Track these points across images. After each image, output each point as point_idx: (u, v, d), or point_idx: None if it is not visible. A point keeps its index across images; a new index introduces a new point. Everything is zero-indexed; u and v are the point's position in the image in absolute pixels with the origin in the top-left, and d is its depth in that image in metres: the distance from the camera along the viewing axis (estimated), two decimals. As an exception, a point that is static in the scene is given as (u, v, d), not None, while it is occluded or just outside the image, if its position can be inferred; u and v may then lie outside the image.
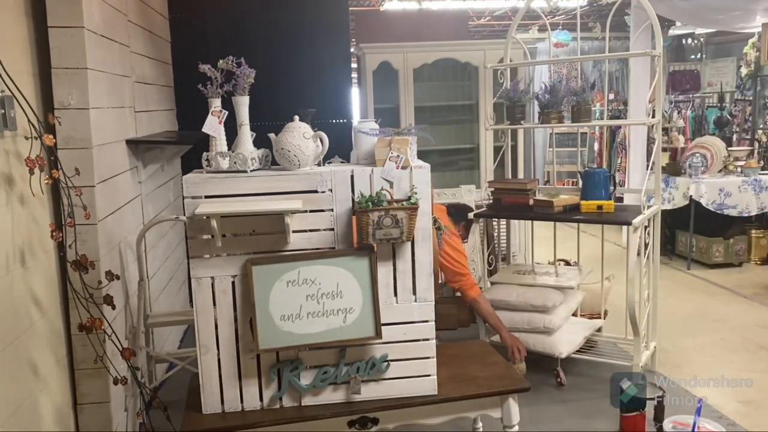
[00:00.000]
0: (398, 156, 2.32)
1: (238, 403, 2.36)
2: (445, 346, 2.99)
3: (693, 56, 10.52)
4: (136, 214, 3.32)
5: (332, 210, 2.33)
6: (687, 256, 6.15)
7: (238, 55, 2.33)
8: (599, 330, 3.97)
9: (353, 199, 2.32)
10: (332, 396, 2.39)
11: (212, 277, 2.30)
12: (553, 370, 3.59)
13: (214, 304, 2.31)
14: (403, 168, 2.33)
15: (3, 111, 2.13)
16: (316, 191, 2.32)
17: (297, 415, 2.32)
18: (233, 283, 2.31)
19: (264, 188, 2.30)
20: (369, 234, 2.26)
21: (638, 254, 3.41)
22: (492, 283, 3.92)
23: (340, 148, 2.62)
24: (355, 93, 5.56)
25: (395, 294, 2.40)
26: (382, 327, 2.34)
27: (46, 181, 2.30)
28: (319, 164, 2.45)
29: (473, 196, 4.72)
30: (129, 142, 3.19)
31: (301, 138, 2.32)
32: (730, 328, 4.49)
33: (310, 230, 2.34)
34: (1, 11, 2.24)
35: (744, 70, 8.33)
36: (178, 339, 4.24)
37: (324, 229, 2.34)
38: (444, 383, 2.48)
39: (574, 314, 3.92)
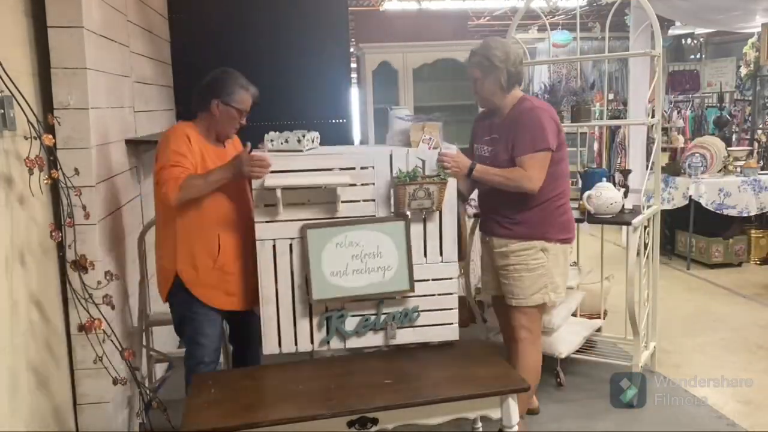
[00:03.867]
0: (430, 138, 2.71)
1: (293, 346, 2.68)
2: (444, 346, 2.99)
3: (692, 56, 10.54)
4: (135, 214, 3.32)
5: (374, 183, 2.66)
6: (687, 256, 6.14)
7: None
8: (599, 330, 3.97)
9: (392, 175, 2.64)
10: (372, 339, 2.73)
11: (274, 240, 2.61)
12: (552, 370, 3.59)
13: (275, 263, 2.62)
14: (434, 149, 2.70)
15: (2, 111, 2.13)
16: (361, 167, 2.65)
17: (297, 415, 2.32)
18: (290, 245, 2.62)
19: (317, 165, 2.63)
20: (405, 204, 2.60)
21: (638, 254, 3.41)
22: (492, 283, 3.91)
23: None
24: (354, 93, 5.56)
25: (425, 255, 2.73)
26: (415, 282, 2.67)
27: (45, 182, 2.30)
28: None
29: (473, 195, 4.70)
30: (128, 142, 3.19)
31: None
32: (730, 328, 4.49)
33: (356, 201, 2.66)
34: (1, 11, 2.24)
35: (743, 70, 8.34)
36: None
37: (367, 200, 2.67)
38: (443, 383, 2.48)
39: (574, 314, 3.92)
